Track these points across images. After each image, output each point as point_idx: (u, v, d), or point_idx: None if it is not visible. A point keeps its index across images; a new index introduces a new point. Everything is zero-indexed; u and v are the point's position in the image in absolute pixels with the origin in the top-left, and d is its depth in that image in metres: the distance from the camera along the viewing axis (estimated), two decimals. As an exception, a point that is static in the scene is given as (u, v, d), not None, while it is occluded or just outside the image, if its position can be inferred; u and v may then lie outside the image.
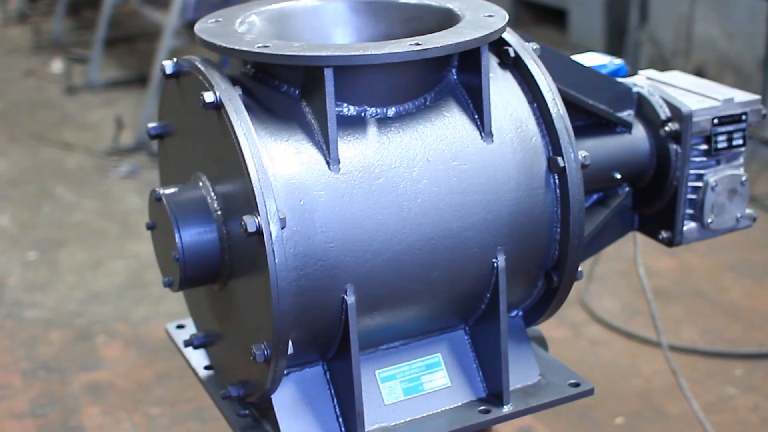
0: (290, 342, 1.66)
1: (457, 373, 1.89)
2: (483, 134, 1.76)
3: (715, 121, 2.06)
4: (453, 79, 1.80)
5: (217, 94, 1.64)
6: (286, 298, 1.60)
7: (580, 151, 1.79)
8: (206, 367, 2.03)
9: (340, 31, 1.95)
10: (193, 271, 1.76)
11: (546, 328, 4.06)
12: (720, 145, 2.07)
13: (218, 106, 1.63)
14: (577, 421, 3.54)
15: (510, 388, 1.89)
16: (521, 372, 1.92)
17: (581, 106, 2.01)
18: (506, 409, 1.85)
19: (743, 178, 2.11)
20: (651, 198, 2.12)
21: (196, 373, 2.03)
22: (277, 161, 1.64)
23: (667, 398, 3.59)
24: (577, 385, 1.92)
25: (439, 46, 1.64)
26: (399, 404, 1.83)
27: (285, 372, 1.78)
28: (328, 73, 1.63)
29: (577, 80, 2.05)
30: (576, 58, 2.32)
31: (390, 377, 1.85)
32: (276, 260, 1.58)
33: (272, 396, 1.77)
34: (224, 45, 1.69)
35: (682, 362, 3.84)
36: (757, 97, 2.11)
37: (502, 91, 1.81)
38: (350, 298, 1.68)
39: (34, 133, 6.72)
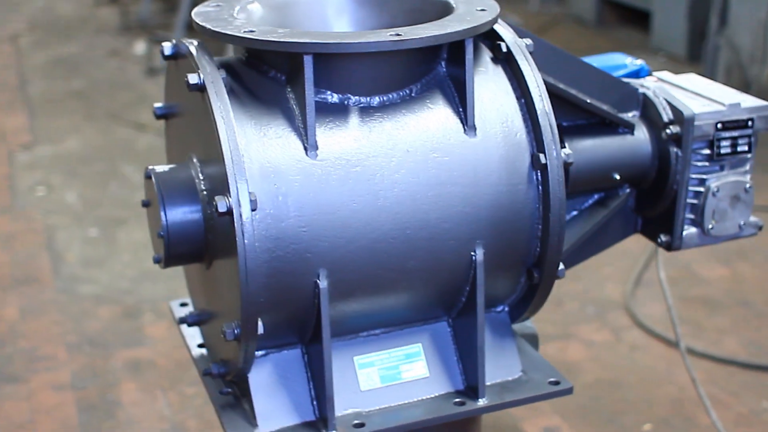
0: (260, 322, 1.69)
1: (437, 364, 1.90)
2: (466, 127, 1.77)
3: (719, 125, 2.03)
4: (442, 72, 1.82)
5: (201, 76, 1.68)
6: (254, 278, 1.64)
7: (563, 150, 1.79)
8: (199, 346, 2.08)
9: (343, 21, 1.97)
10: (178, 248, 1.80)
11: (587, 331, 4.05)
12: (723, 151, 2.04)
13: (202, 88, 1.68)
14: (604, 425, 3.51)
15: (489, 383, 1.90)
16: (502, 367, 1.93)
17: (579, 105, 2.00)
18: (481, 402, 1.86)
19: (747, 185, 2.08)
20: (652, 201, 2.10)
21: (189, 351, 2.08)
22: (255, 144, 1.67)
23: (698, 408, 3.53)
24: (557, 383, 1.91)
25: (417, 37, 1.66)
26: (375, 391, 1.85)
27: (264, 353, 1.82)
28: (308, 60, 1.67)
29: (582, 79, 2.05)
30: (592, 58, 2.32)
31: (368, 364, 1.87)
32: (245, 241, 1.62)
33: (249, 375, 1.81)
34: (212, 28, 1.73)
35: (720, 373, 3.78)
36: (765, 103, 2.07)
37: (491, 85, 1.82)
38: (323, 283, 1.71)
39: (110, 112, 6.88)
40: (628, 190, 2.10)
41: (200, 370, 1.97)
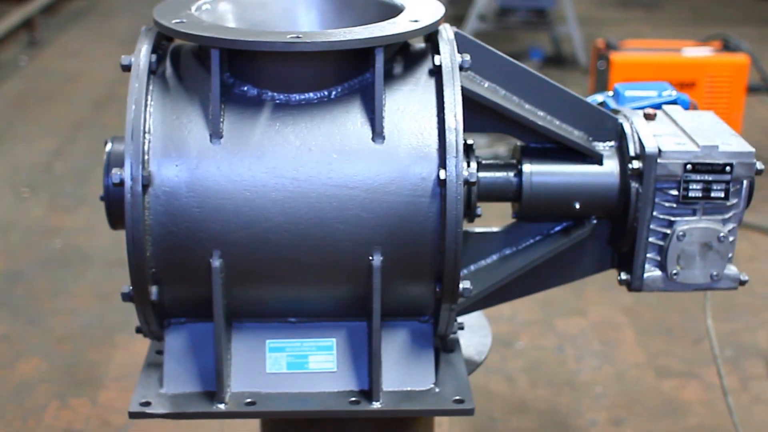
0: (153, 289, 1.83)
1: (346, 361, 1.94)
2: (374, 135, 1.80)
3: (688, 166, 1.92)
4: (370, 79, 1.85)
5: (132, 58, 1.82)
6: (142, 247, 1.77)
7: (468, 168, 1.78)
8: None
9: (315, 21, 2.05)
10: (117, 211, 1.96)
11: (713, 374, 3.84)
12: (692, 194, 1.93)
13: (129, 69, 1.82)
14: (686, 472, 3.35)
15: (394, 389, 1.93)
16: (413, 376, 1.94)
17: (535, 129, 1.95)
18: (375, 405, 1.89)
19: (721, 234, 1.95)
20: (620, 236, 2.02)
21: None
22: (167, 126, 1.80)
23: (796, 474, 3.29)
24: (461, 401, 1.91)
25: (310, 41, 1.72)
26: (279, 375, 1.93)
27: (183, 320, 1.95)
28: (214, 53, 1.77)
29: (558, 106, 2.01)
30: (639, 83, 2.26)
31: (278, 349, 1.95)
32: (132, 210, 1.75)
33: (165, 339, 1.94)
34: (155, 17, 1.86)
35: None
36: (749, 149, 1.93)
37: (417, 97, 1.83)
38: (215, 262, 1.81)
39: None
40: (594, 222, 2.03)
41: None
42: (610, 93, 2.25)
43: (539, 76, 2.01)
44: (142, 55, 1.83)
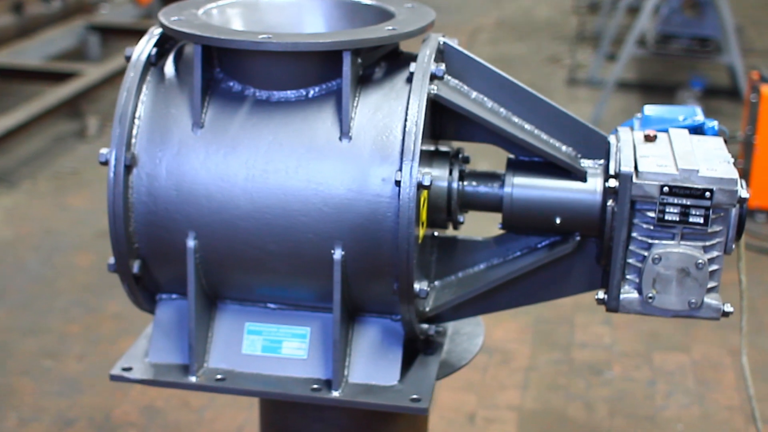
0: (135, 263, 1.97)
1: (318, 350, 2.03)
2: (341, 134, 1.88)
3: (665, 189, 1.90)
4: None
5: (134, 50, 1.98)
6: (120, 220, 1.92)
7: (423, 171, 1.83)
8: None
9: (321, 23, 2.15)
10: None
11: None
12: (669, 217, 1.91)
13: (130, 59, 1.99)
14: None
15: (358, 381, 2.01)
16: (379, 371, 2.01)
17: (513, 141, 1.98)
18: (335, 394, 1.97)
19: (699, 261, 1.92)
20: (602, 254, 2.02)
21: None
22: (156, 113, 1.95)
23: None
24: (418, 400, 1.96)
25: (276, 41, 1.82)
26: (252, 357, 2.04)
27: (175, 296, 2.09)
28: (197, 49, 1.90)
29: (546, 120, 2.05)
30: (667, 107, 2.25)
31: (256, 332, 2.06)
32: (114, 188, 1.91)
33: (155, 312, 2.09)
34: (159, 15, 2.01)
35: None
36: (732, 176, 1.89)
37: (388, 101, 1.91)
38: (190, 243, 1.94)
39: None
40: (578, 238, 2.03)
41: None
42: (638, 115, 2.25)
43: (529, 91, 2.04)
44: (142, 48, 1.98)
